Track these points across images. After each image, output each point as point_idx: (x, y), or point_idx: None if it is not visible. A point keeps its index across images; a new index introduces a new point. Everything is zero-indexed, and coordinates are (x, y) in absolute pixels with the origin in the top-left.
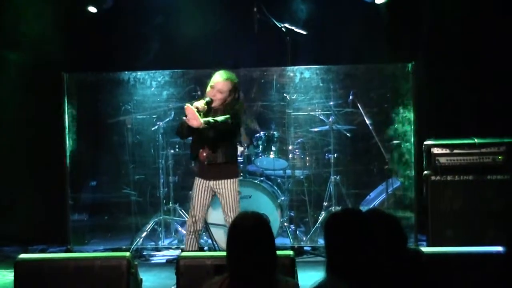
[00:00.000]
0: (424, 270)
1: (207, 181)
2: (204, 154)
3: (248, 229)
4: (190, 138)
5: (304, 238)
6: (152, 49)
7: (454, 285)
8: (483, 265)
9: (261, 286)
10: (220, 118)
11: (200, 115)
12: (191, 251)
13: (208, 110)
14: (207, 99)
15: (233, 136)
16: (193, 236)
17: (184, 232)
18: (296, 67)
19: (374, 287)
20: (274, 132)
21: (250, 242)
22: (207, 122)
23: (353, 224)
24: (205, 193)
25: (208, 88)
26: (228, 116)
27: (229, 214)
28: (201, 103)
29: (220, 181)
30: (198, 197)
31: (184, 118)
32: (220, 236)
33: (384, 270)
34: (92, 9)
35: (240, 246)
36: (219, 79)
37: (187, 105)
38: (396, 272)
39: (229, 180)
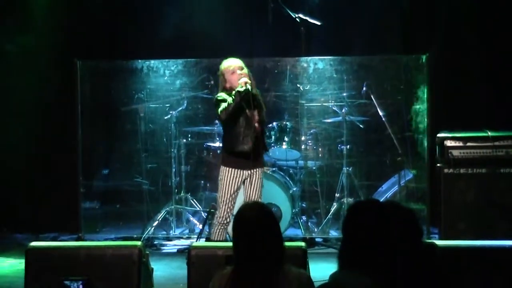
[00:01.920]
0: (438, 264)
1: (242, 171)
2: (247, 146)
3: (251, 219)
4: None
5: (315, 230)
6: (166, 38)
7: (467, 279)
8: (496, 258)
9: (268, 276)
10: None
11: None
12: (219, 241)
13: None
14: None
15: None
16: (224, 226)
17: (196, 222)
18: (309, 57)
19: (388, 279)
20: (287, 123)
21: (254, 232)
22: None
23: (375, 215)
24: (235, 187)
25: (234, 75)
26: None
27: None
28: (247, 79)
29: (255, 170)
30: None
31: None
32: None
33: (399, 263)
34: None
35: (244, 236)
36: (229, 62)
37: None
38: (410, 265)
39: (261, 170)
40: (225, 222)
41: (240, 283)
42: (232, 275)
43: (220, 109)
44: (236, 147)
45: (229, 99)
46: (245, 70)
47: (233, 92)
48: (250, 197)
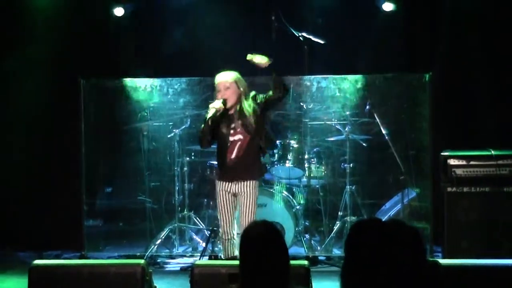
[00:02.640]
0: (441, 283)
1: (231, 183)
2: (232, 156)
3: (258, 237)
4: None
5: (319, 248)
6: (169, 56)
7: None
8: (500, 277)
9: None
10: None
11: (215, 114)
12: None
13: (226, 114)
14: (221, 100)
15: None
16: (230, 239)
17: (199, 240)
18: (313, 76)
19: None
20: (290, 141)
21: (261, 251)
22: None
23: (378, 234)
24: (231, 200)
25: (216, 94)
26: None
27: (245, 222)
28: (218, 104)
29: (243, 183)
30: (224, 204)
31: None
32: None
33: (402, 282)
34: (119, 12)
35: (251, 255)
36: (217, 78)
37: (211, 105)
38: (413, 284)
39: (251, 182)
40: (228, 237)
41: None
42: None
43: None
44: (220, 160)
45: (202, 125)
46: (223, 84)
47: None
48: (243, 213)
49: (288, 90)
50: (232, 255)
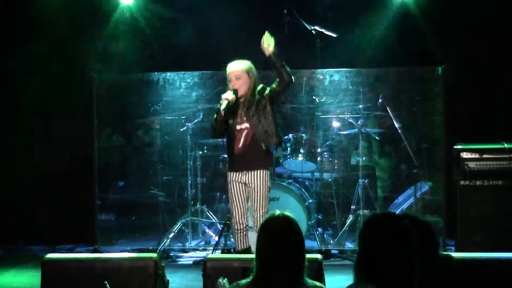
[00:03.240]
0: (455, 277)
1: (241, 173)
2: (240, 145)
3: (276, 230)
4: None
5: (331, 242)
6: (182, 50)
7: None
8: None
9: None
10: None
11: (229, 105)
12: (242, 250)
13: (237, 104)
14: (232, 90)
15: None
16: (242, 231)
17: (212, 233)
18: (325, 69)
19: None
20: (303, 135)
21: (279, 244)
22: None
23: (391, 228)
24: (242, 190)
25: (228, 83)
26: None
27: (257, 214)
28: (229, 95)
29: (253, 172)
30: (235, 195)
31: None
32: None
33: (415, 275)
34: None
35: (268, 247)
36: (230, 69)
37: (223, 96)
38: (427, 278)
39: (261, 172)
40: (240, 227)
41: None
42: (252, 286)
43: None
44: (228, 150)
45: (215, 116)
46: (234, 74)
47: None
48: (256, 207)
49: (291, 77)
50: (245, 246)
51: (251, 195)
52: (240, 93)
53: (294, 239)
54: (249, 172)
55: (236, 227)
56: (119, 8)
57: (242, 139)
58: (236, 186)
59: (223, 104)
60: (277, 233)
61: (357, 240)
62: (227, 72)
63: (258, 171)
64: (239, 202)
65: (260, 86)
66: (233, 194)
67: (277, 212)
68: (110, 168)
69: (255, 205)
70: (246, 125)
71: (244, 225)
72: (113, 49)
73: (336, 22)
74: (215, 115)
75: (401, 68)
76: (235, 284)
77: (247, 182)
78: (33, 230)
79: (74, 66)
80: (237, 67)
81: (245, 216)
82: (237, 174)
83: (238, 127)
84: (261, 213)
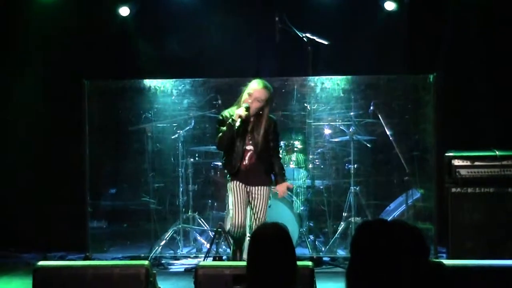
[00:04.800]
0: (446, 284)
1: (246, 185)
2: (245, 163)
3: (269, 240)
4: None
5: (323, 249)
6: (173, 57)
7: None
8: (504, 278)
9: None
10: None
11: (242, 122)
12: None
13: (247, 122)
14: (245, 105)
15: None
16: (241, 229)
17: (203, 241)
18: (317, 77)
19: None
20: (295, 142)
21: (270, 252)
22: None
23: (383, 235)
24: (244, 196)
25: (245, 95)
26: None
27: (258, 222)
28: (242, 111)
29: (258, 187)
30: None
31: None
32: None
33: (407, 282)
34: (125, 11)
35: (260, 256)
36: (258, 87)
37: (236, 112)
38: (418, 285)
39: (265, 188)
40: (239, 233)
41: None
42: None
43: (217, 139)
44: (231, 167)
45: (224, 128)
46: (258, 94)
47: (230, 120)
48: (256, 216)
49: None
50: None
51: (252, 206)
52: (251, 113)
53: (284, 248)
54: (253, 187)
55: (236, 235)
56: (112, 15)
57: (247, 158)
58: (239, 191)
59: (238, 122)
60: (268, 242)
61: (349, 247)
62: (253, 87)
63: (261, 187)
64: (241, 206)
65: (273, 118)
66: (236, 198)
67: (269, 221)
68: (101, 176)
69: (256, 216)
70: (251, 147)
71: (244, 231)
72: (105, 56)
73: (327, 30)
74: (225, 128)
75: (392, 75)
76: None
77: (250, 191)
78: (24, 238)
79: (65, 73)
80: (265, 92)
81: (245, 222)
82: (241, 183)
83: (244, 147)
84: (262, 221)
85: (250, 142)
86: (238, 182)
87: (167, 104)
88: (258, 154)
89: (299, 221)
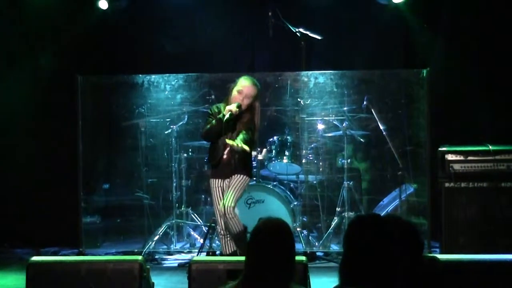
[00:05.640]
0: (439, 278)
1: (224, 180)
2: (225, 156)
3: (268, 235)
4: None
5: (316, 244)
6: (167, 52)
7: None
8: (497, 272)
9: None
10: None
11: (232, 116)
12: (229, 254)
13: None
14: (237, 104)
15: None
16: (227, 236)
17: (197, 236)
18: (310, 72)
19: None
20: (288, 137)
21: (271, 248)
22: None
23: (376, 230)
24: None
25: (234, 93)
26: (246, 138)
27: (224, 201)
28: (233, 107)
29: (234, 175)
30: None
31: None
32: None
33: (400, 277)
34: (103, 4)
35: (258, 251)
36: (248, 84)
37: (227, 107)
38: (412, 280)
39: (241, 176)
40: (226, 233)
41: None
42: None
43: (204, 129)
44: (213, 159)
45: (213, 121)
46: (248, 91)
47: (220, 115)
48: (226, 194)
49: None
50: (231, 250)
51: (228, 186)
52: (242, 109)
53: (285, 244)
54: (229, 178)
55: (222, 232)
56: (104, 10)
57: (226, 151)
58: (219, 192)
59: (227, 115)
60: (270, 238)
61: (342, 242)
62: (243, 84)
63: (237, 175)
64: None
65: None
66: (217, 200)
67: (273, 217)
68: (95, 171)
69: (229, 191)
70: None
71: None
72: (98, 52)
73: (321, 25)
74: (213, 121)
75: (386, 70)
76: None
77: (227, 185)
78: (18, 233)
79: (59, 68)
80: (254, 89)
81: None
82: (221, 180)
83: (225, 141)
84: (229, 201)
85: (232, 135)
86: (216, 180)
87: (160, 99)
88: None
89: (292, 216)
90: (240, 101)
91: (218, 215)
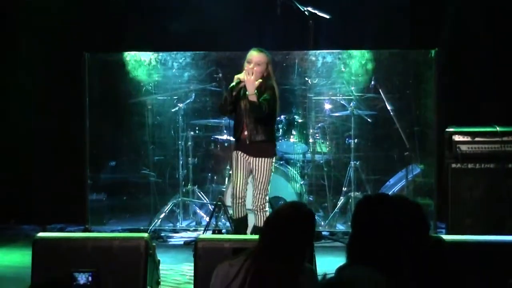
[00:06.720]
0: (445, 259)
1: (247, 156)
2: (245, 133)
3: (288, 217)
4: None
5: (322, 223)
6: (174, 30)
7: (474, 274)
8: (503, 254)
9: (283, 275)
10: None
11: (239, 84)
12: (239, 218)
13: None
14: (245, 72)
15: (272, 116)
16: (240, 201)
17: (203, 214)
18: (318, 51)
19: (395, 273)
20: (295, 116)
21: (289, 233)
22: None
23: (385, 210)
24: (245, 166)
25: (245, 64)
26: (266, 97)
27: (258, 194)
28: (241, 75)
29: (257, 159)
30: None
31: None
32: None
33: (406, 257)
34: None
35: (276, 231)
36: (255, 53)
37: (239, 76)
38: (417, 260)
39: (264, 160)
40: (239, 201)
41: (260, 277)
42: (249, 266)
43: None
44: (236, 134)
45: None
46: (257, 59)
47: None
48: (256, 188)
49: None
50: (242, 215)
51: (253, 178)
52: (256, 78)
53: (303, 228)
54: (253, 158)
55: (235, 201)
56: None
57: (246, 126)
58: (241, 160)
59: (234, 82)
60: (287, 219)
61: (349, 221)
62: (249, 55)
63: (261, 159)
64: (241, 174)
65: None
66: (236, 166)
67: (293, 202)
68: (101, 148)
69: (256, 188)
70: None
71: (243, 199)
72: (106, 29)
73: (329, 3)
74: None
75: (394, 50)
76: (224, 262)
77: (251, 162)
78: (24, 210)
79: (66, 45)
80: (262, 55)
81: (245, 190)
82: (243, 153)
83: (247, 94)
84: (261, 196)
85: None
86: (239, 152)
87: (167, 77)
88: (254, 120)
89: (298, 195)
90: (251, 69)
91: (237, 183)
